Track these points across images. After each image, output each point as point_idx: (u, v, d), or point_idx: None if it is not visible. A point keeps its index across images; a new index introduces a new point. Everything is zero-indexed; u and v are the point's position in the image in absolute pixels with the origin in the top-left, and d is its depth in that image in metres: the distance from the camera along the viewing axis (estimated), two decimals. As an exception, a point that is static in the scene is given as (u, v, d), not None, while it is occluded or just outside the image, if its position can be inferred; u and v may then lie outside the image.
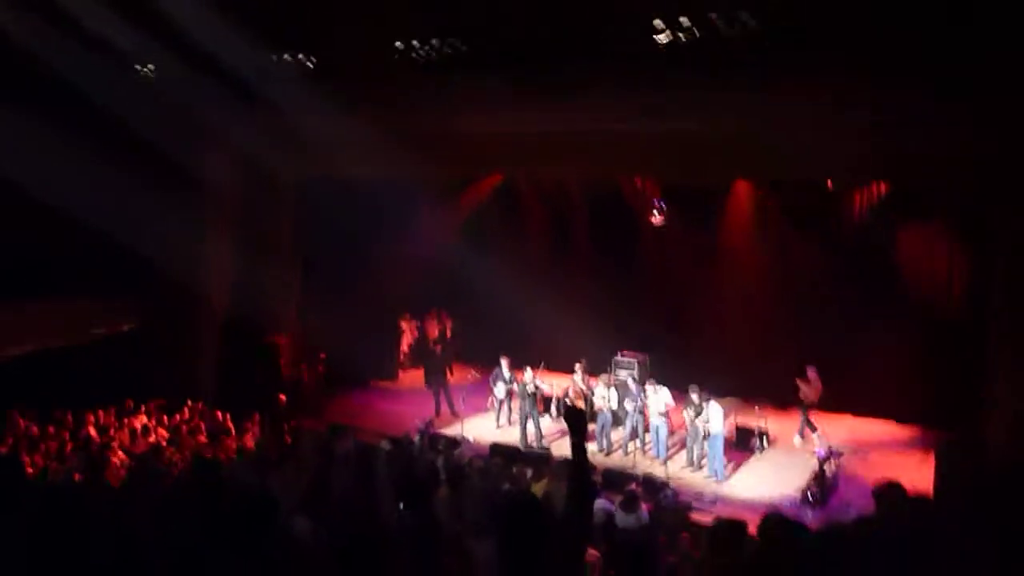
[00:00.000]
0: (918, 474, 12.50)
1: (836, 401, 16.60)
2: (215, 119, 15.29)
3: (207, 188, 16.30)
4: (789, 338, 16.91)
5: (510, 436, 15.71)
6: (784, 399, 16.79)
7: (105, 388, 14.42)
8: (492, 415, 16.60)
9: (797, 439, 15.52)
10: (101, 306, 15.86)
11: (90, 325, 15.72)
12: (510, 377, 16.16)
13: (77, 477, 10.46)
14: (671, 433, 14.85)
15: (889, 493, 5.56)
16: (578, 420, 4.63)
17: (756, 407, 15.40)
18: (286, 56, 13.44)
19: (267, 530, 4.97)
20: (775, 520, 5.24)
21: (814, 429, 15.53)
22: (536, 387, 15.53)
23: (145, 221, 14.24)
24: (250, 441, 14.07)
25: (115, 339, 16.01)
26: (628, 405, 14.76)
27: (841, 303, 16.54)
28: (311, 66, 13.39)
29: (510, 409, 16.46)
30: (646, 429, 14.93)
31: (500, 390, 16.25)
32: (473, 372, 17.46)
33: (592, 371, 16.16)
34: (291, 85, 13.49)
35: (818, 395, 15.50)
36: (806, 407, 15.51)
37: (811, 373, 15.44)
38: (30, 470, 10.97)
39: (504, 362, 16.29)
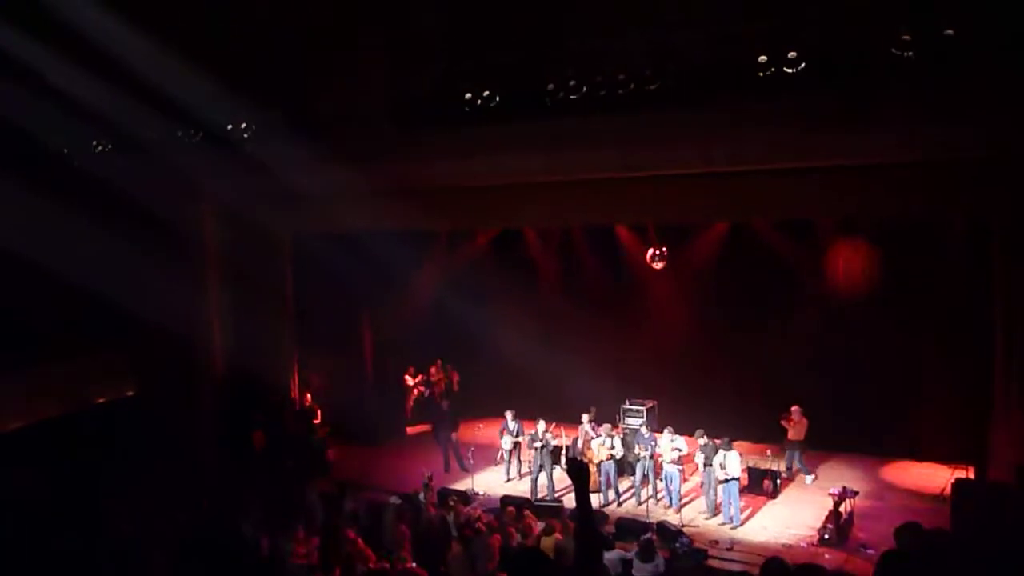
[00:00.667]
0: (934, 512, 12.35)
1: (851, 441, 16.50)
2: (206, 178, 15.46)
3: (202, 247, 16.41)
4: (797, 380, 16.75)
5: (520, 488, 15.54)
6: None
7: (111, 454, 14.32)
8: (501, 468, 16.44)
9: (808, 478, 15.39)
10: (100, 368, 15.78)
11: (90, 390, 15.62)
12: (516, 429, 16.03)
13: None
14: (684, 480, 14.70)
15: (908, 532, 5.50)
16: (580, 472, 4.65)
17: (768, 451, 15.25)
18: (274, 112, 13.54)
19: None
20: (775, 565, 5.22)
21: (808, 472, 15.41)
22: (548, 439, 15.40)
23: (141, 282, 14.26)
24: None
25: (116, 405, 15.91)
26: (641, 452, 14.60)
27: (851, 343, 16.42)
28: (300, 122, 13.48)
29: (519, 461, 16.31)
30: (657, 476, 14.74)
31: (507, 443, 16.13)
32: (480, 425, 17.33)
33: (600, 420, 16.00)
34: (281, 141, 13.60)
35: (804, 433, 15.42)
36: (798, 446, 15.39)
37: (794, 411, 15.40)
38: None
39: (509, 415, 16.17)
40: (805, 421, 15.41)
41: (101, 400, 15.90)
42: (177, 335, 15.59)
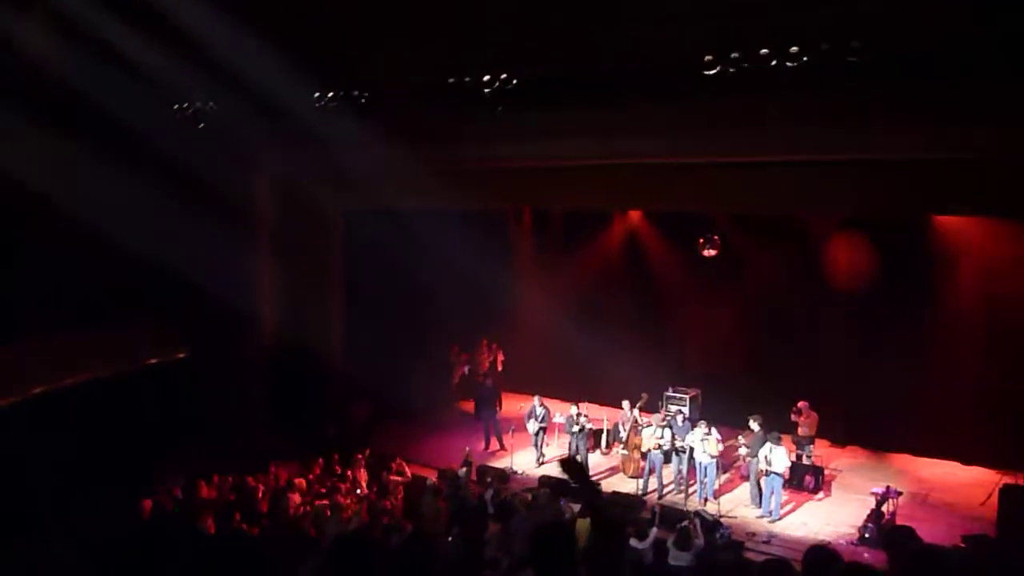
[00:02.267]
0: (979, 516, 12.16)
1: (898, 440, 16.29)
2: (263, 151, 15.63)
3: (256, 219, 16.62)
4: (846, 374, 16.60)
5: (558, 470, 15.59)
6: (837, 437, 16.56)
7: (160, 418, 14.66)
8: (535, 449, 16.40)
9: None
10: (152, 335, 16.12)
11: (142, 354, 15.97)
12: (542, 415, 16.01)
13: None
14: (723, 471, 14.59)
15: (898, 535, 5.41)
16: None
17: (810, 445, 15.11)
18: (332, 90, 13.65)
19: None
20: (819, 553, 5.15)
21: (817, 474, 14.93)
22: (584, 422, 15.40)
23: (196, 252, 14.50)
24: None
25: (168, 367, 16.24)
26: (680, 443, 14.53)
27: (904, 340, 16.14)
28: (358, 100, 13.55)
29: (542, 447, 16.25)
30: (692, 468, 14.66)
31: (532, 427, 16.09)
32: (521, 405, 17.40)
33: (645, 407, 15.96)
34: (338, 119, 13.70)
35: (815, 427, 15.22)
36: (808, 441, 15.19)
37: (803, 406, 15.24)
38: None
39: (536, 399, 16.17)
40: (815, 416, 15.21)
41: (153, 361, 16.22)
42: (229, 304, 15.84)
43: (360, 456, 14.59)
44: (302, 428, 15.74)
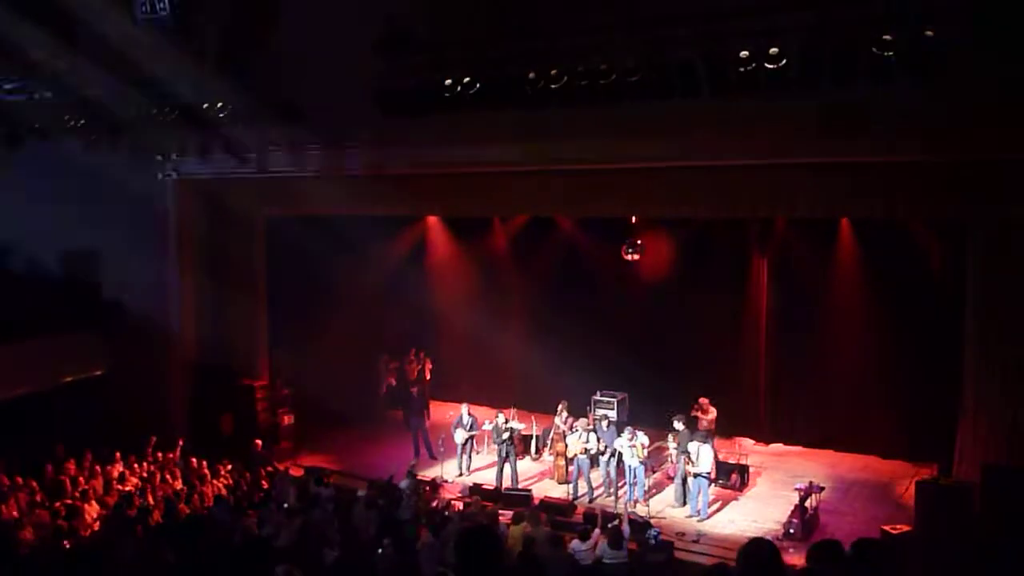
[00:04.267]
0: (898, 509, 12.55)
1: (819, 435, 16.72)
2: (181, 158, 15.29)
3: (175, 229, 16.21)
4: (769, 373, 17.04)
5: (487, 478, 15.56)
6: (765, 434, 16.92)
7: (76, 433, 14.19)
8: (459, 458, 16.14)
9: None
10: (70, 347, 15.59)
11: (59, 369, 15.43)
12: (470, 423, 15.89)
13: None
14: (651, 473, 14.75)
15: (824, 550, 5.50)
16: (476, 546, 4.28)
17: (737, 444, 15.40)
18: (251, 93, 13.43)
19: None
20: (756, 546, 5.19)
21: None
22: (511, 429, 15.40)
23: (113, 262, 14.09)
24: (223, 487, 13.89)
25: (85, 383, 15.73)
26: (606, 446, 14.63)
27: (823, 338, 16.63)
28: (278, 104, 13.35)
29: (470, 456, 16.15)
30: (619, 472, 14.79)
31: (459, 436, 15.90)
32: (451, 413, 17.29)
33: (572, 412, 16.06)
34: (257, 123, 13.48)
35: (714, 422, 15.53)
36: (708, 436, 15.42)
37: (703, 402, 15.62)
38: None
39: (464, 408, 16.06)
40: (714, 411, 15.58)
41: (69, 379, 15.69)
42: (149, 316, 15.44)
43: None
44: (227, 443, 15.38)
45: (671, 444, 14.45)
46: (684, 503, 14.20)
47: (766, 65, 9.63)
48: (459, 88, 11.07)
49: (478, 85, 11.01)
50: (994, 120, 10.36)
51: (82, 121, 14.25)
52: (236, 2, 13.29)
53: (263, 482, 14.57)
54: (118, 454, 14.03)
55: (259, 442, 15.67)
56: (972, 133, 10.60)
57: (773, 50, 9.54)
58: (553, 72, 10.67)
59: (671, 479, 14.89)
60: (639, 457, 14.15)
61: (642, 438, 14.27)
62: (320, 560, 8.75)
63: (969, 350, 12.32)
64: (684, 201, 13.88)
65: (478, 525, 9.71)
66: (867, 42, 9.19)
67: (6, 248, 13.81)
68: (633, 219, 16.79)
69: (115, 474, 13.48)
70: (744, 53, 9.70)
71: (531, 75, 10.87)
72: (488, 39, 11.42)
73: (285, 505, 12.54)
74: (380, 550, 10.22)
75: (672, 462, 14.71)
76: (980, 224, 11.96)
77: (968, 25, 9.09)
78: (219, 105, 13.29)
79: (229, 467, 14.63)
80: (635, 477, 14.31)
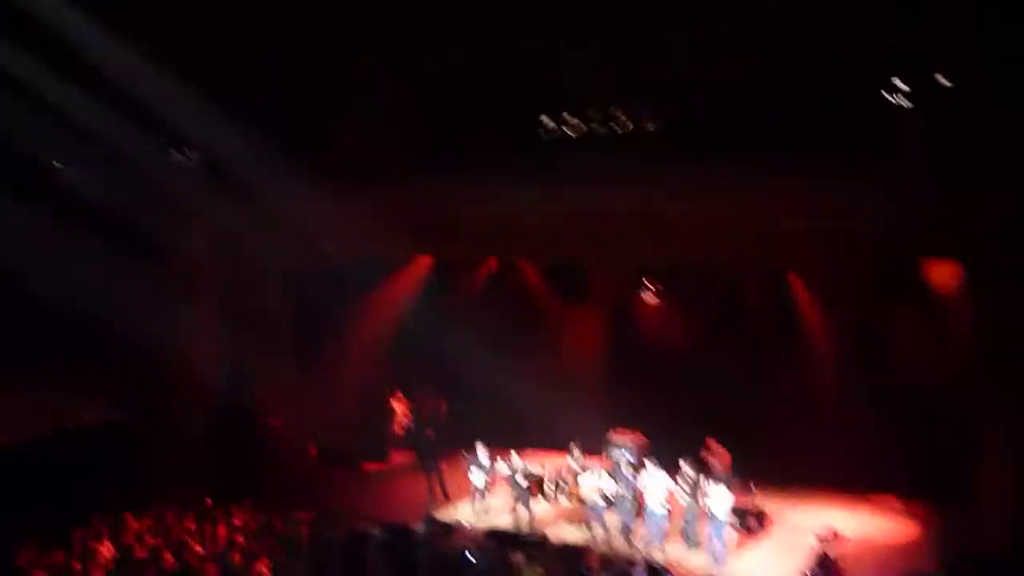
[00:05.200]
0: (920, 554, 12.35)
1: (838, 480, 16.54)
2: (202, 204, 15.41)
3: (196, 274, 16.31)
4: (787, 415, 16.92)
5: (503, 522, 15.43)
6: (781, 478, 16.73)
7: (102, 479, 14.16)
8: (480, 502, 16.05)
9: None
10: (90, 394, 15.62)
11: (80, 413, 15.45)
12: (488, 465, 15.84)
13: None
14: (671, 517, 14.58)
15: None
16: None
17: (752, 486, 15.24)
18: (273, 141, 13.56)
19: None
20: None
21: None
22: (526, 471, 15.28)
23: (135, 309, 14.13)
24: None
25: (109, 428, 15.71)
26: (622, 489, 14.48)
27: (846, 381, 16.56)
28: (299, 151, 13.45)
29: (487, 494, 16.03)
30: (639, 514, 14.64)
31: (478, 478, 15.79)
32: (464, 455, 17.16)
33: (585, 450, 15.98)
34: (278, 170, 13.58)
35: (728, 465, 15.37)
36: (725, 480, 15.30)
37: (712, 444, 15.50)
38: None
39: (480, 448, 15.92)
40: (727, 453, 15.44)
41: (81, 422, 15.69)
42: (169, 362, 15.51)
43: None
44: (248, 486, 15.32)
45: (679, 488, 14.22)
46: (697, 545, 14.04)
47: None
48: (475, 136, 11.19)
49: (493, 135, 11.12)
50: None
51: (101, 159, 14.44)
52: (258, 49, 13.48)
53: (279, 525, 14.44)
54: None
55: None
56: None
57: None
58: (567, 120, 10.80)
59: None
60: (663, 502, 14.00)
61: (663, 478, 14.12)
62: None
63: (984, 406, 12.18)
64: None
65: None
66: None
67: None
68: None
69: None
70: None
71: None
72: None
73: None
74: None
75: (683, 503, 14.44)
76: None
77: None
78: (241, 151, 13.41)
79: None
80: (655, 519, 14.13)
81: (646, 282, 17.13)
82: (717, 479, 13.91)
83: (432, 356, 19.11)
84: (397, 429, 19.75)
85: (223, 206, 15.28)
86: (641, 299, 17.29)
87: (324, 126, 13.10)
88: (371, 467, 18.58)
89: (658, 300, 17.15)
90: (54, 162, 14.76)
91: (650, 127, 10.66)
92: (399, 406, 19.78)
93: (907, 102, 10.11)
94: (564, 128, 10.97)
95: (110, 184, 14.15)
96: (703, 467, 14.88)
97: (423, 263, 18.70)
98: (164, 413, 16.08)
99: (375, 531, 13.40)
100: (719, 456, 15.46)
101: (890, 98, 10.24)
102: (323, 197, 13.53)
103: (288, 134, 13.35)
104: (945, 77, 9.87)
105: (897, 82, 10.14)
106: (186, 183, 14.34)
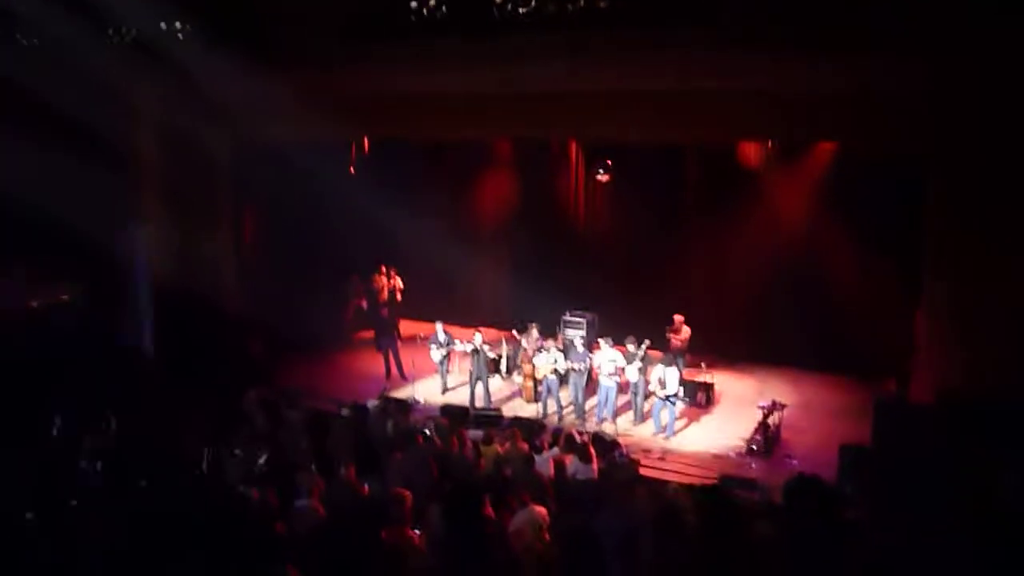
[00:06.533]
0: (857, 425, 12.85)
1: (779, 354, 17.04)
2: (138, 87, 14.91)
3: (137, 160, 15.88)
4: (734, 293, 17.33)
5: (460, 398, 15.77)
6: (730, 356, 17.20)
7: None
8: (440, 376, 16.46)
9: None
10: (34, 280, 15.40)
11: (25, 298, 15.26)
12: (446, 340, 16.06)
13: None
14: (621, 392, 14.99)
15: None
16: None
17: (702, 363, 15.68)
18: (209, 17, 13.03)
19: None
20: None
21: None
22: (484, 349, 15.55)
23: (75, 197, 13.76)
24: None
25: (52, 308, 15.55)
26: (575, 366, 14.83)
27: (786, 258, 16.94)
28: (237, 28, 12.94)
29: (447, 372, 16.40)
30: (593, 391, 15.05)
31: (436, 355, 16.12)
32: (421, 334, 17.38)
33: (544, 331, 16.29)
34: (216, 48, 13.09)
35: (686, 341, 15.93)
36: (680, 355, 15.73)
37: (678, 320, 15.98)
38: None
39: (439, 326, 16.16)
40: (688, 330, 15.94)
41: (34, 304, 15.53)
42: (115, 249, 15.27)
43: None
44: (198, 368, 15.35)
45: (630, 368, 14.55)
46: (644, 420, 14.54)
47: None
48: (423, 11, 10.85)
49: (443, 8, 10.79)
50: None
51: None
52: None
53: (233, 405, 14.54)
54: None
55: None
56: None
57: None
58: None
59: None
60: (610, 373, 14.37)
61: (617, 355, 14.47)
62: (293, 483, 8.84)
63: (928, 278, 12.41)
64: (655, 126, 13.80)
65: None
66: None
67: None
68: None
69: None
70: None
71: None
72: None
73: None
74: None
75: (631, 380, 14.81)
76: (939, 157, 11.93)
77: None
78: (176, 27, 12.86)
79: None
80: (606, 397, 14.57)
81: (598, 162, 17.08)
82: (671, 358, 14.28)
83: (385, 238, 19.03)
84: (350, 311, 19.80)
85: (160, 89, 14.80)
86: (595, 179, 17.21)
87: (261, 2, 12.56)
88: (328, 348, 18.68)
89: (609, 178, 17.07)
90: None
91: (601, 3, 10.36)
92: (356, 287, 19.74)
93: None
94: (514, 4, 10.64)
95: (43, 72, 13.55)
96: (660, 344, 15.25)
97: (371, 144, 18.37)
98: (111, 298, 15.89)
99: (332, 409, 13.62)
100: (681, 333, 15.86)
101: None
102: (262, 78, 13.09)
103: (223, 11, 12.82)
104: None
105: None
106: (117, 62, 13.75)
